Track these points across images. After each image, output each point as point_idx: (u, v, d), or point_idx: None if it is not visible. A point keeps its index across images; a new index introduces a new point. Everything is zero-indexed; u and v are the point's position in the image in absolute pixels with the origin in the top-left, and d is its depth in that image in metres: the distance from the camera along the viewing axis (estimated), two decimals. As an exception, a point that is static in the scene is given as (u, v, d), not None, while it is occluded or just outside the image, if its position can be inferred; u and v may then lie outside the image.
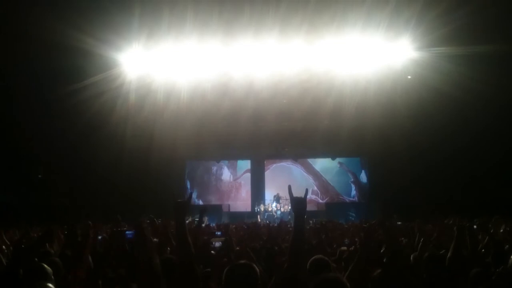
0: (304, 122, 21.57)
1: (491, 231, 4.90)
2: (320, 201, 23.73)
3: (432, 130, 19.08)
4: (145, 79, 19.78)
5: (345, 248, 5.27)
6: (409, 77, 19.34)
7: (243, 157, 24.74)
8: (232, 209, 22.94)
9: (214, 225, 13.64)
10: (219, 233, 8.53)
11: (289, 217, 19.83)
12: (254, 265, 2.59)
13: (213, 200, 24.28)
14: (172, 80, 19.99)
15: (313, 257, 3.66)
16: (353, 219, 19.83)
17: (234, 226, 11.62)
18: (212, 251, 5.73)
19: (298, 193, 2.90)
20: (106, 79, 18.39)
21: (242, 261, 2.70)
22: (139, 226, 3.30)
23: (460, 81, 16.56)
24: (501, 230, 6.02)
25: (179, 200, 2.68)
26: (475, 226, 4.61)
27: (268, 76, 19.80)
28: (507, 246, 4.68)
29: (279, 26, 17.59)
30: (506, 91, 16.84)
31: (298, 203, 2.82)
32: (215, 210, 21.32)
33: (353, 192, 24.48)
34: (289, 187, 2.90)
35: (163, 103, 20.30)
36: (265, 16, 17.10)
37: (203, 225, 9.53)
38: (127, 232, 5.21)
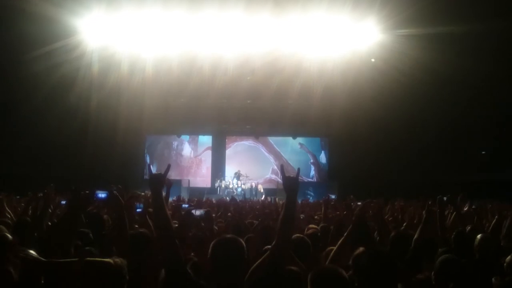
0: (268, 101, 21.52)
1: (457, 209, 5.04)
2: (280, 180, 23.86)
3: (396, 112, 19.29)
4: (108, 49, 19.06)
5: (313, 226, 5.24)
6: (372, 60, 19.45)
7: (205, 132, 24.54)
8: (192, 185, 22.75)
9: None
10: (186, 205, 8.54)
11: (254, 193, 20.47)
12: (240, 240, 2.56)
13: (172, 175, 23.94)
14: (136, 52, 19.41)
15: (293, 236, 3.60)
16: (311, 198, 20.06)
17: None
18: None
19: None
20: (65, 47, 17.53)
21: (229, 235, 2.66)
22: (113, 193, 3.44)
23: (423, 63, 16.75)
24: (465, 208, 6.17)
25: (156, 172, 2.56)
26: (445, 198, 4.65)
27: (235, 53, 19.54)
28: (469, 227, 4.77)
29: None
30: (469, 72, 17.10)
31: (291, 183, 2.64)
32: (175, 184, 21.00)
33: (312, 173, 24.80)
34: (281, 166, 2.76)
35: (127, 75, 19.73)
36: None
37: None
38: (98, 192, 5.06)
